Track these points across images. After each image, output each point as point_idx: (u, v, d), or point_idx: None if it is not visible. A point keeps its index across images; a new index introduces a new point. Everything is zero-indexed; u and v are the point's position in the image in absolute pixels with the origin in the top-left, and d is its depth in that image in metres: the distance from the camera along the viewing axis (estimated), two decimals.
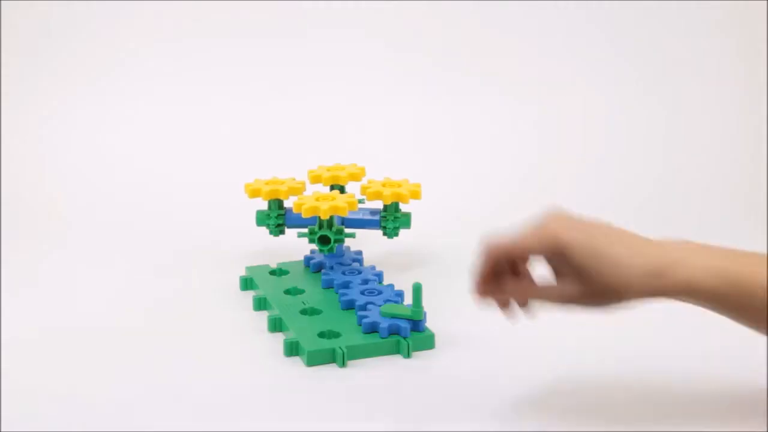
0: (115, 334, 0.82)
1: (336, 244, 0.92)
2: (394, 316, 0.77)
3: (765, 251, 1.01)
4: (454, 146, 1.37)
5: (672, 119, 1.39)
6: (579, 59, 1.43)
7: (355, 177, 0.99)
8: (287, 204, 0.98)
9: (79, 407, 0.68)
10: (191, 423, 0.65)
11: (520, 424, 0.65)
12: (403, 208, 0.97)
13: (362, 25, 1.43)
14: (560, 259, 0.61)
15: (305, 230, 0.94)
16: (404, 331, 0.76)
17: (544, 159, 1.33)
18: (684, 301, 0.62)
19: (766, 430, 0.62)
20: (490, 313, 0.83)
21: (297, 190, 0.95)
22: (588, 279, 0.60)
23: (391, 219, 0.96)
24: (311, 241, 0.93)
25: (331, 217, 0.91)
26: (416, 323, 0.77)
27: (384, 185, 0.96)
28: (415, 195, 0.95)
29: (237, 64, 1.42)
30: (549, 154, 1.34)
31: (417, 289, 0.76)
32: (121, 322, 0.85)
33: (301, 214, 0.89)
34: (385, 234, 0.96)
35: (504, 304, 0.65)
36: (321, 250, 0.93)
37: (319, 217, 0.90)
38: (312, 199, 0.90)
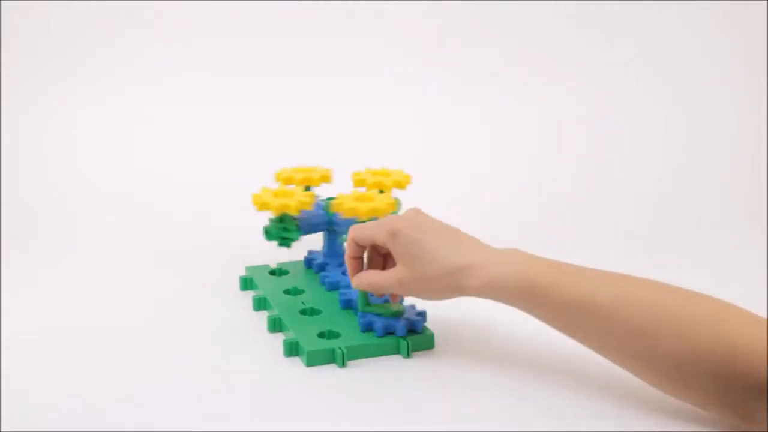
0: (114, 333, 0.82)
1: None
2: (381, 314, 0.78)
3: (765, 251, 1.02)
4: (453, 146, 1.37)
5: (672, 119, 1.39)
6: (579, 59, 1.43)
7: (326, 179, 0.96)
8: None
9: (79, 407, 0.68)
10: (191, 423, 0.65)
11: (520, 425, 0.65)
12: (405, 206, 0.96)
13: (362, 25, 1.43)
14: (392, 245, 0.73)
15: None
16: (400, 330, 0.76)
17: (544, 159, 1.33)
18: (488, 297, 0.70)
19: (766, 430, 0.62)
20: (489, 312, 0.84)
21: (306, 203, 0.90)
22: (411, 266, 0.72)
23: None
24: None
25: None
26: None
27: (374, 174, 0.95)
28: (400, 185, 0.93)
29: (237, 64, 1.42)
30: (549, 154, 1.34)
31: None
32: (121, 321, 0.85)
33: (312, 220, 0.90)
34: None
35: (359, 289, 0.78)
36: None
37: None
38: (352, 200, 0.88)
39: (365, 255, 0.78)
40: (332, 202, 0.89)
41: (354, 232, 0.76)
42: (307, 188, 0.95)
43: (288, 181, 0.95)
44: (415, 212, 0.76)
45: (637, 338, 0.63)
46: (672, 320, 0.62)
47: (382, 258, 0.78)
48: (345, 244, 0.78)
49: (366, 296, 0.79)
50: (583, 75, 1.43)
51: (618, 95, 1.41)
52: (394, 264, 0.76)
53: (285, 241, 0.90)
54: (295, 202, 0.87)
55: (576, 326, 0.67)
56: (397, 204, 0.89)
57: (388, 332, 0.77)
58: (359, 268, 0.78)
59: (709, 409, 0.63)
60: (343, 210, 0.87)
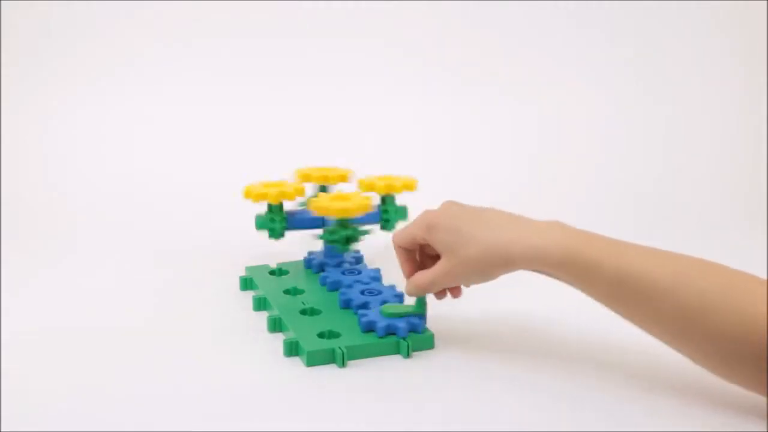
0: (114, 333, 0.82)
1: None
2: (394, 316, 0.77)
3: (765, 251, 1.02)
4: (454, 146, 1.37)
5: (672, 119, 1.39)
6: (579, 59, 1.43)
7: (343, 178, 0.99)
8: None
9: (79, 407, 0.68)
10: (191, 423, 0.65)
11: (520, 425, 0.65)
12: (406, 203, 0.97)
13: (362, 25, 1.43)
14: (431, 239, 0.73)
15: (320, 231, 0.94)
16: (401, 331, 0.76)
17: (544, 159, 1.33)
18: (535, 269, 0.69)
19: (766, 430, 0.62)
20: (489, 312, 0.84)
21: (300, 191, 0.94)
22: (453, 254, 0.71)
23: (392, 211, 0.96)
24: (332, 241, 0.92)
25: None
26: (419, 318, 0.77)
27: (379, 179, 0.96)
28: (410, 186, 0.95)
29: (238, 64, 1.42)
30: (549, 154, 1.34)
31: None
32: (121, 321, 0.85)
33: (303, 216, 0.89)
34: (384, 228, 0.96)
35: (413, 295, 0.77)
36: (342, 250, 0.93)
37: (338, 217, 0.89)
38: (329, 200, 0.89)
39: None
40: (310, 200, 0.90)
41: (395, 238, 0.77)
42: (324, 188, 0.98)
43: (306, 178, 0.98)
44: (449, 203, 0.75)
45: (688, 316, 0.63)
46: (723, 297, 0.62)
47: (432, 260, 0.77)
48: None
49: (423, 300, 0.78)
50: (583, 75, 1.43)
51: (618, 95, 1.41)
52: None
53: (272, 232, 0.93)
54: (277, 192, 0.91)
55: (622, 302, 0.67)
56: (369, 204, 0.89)
57: (390, 333, 0.77)
58: (414, 271, 0.78)
59: (761, 392, 0.62)
60: (315, 208, 0.88)
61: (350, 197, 0.90)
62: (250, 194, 0.93)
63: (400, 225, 0.97)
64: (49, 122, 1.36)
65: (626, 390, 0.69)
